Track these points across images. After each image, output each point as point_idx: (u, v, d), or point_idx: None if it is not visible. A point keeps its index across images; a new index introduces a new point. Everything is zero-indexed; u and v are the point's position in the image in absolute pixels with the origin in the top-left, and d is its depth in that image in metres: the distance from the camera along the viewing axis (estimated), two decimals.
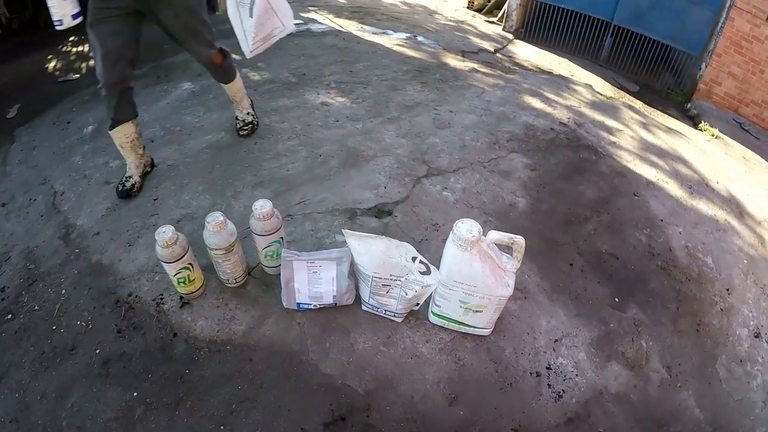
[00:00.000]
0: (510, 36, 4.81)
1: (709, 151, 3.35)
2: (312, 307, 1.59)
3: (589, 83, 3.83)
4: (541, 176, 2.37)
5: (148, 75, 3.14)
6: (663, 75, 4.34)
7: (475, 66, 3.63)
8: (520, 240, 1.36)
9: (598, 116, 3.15)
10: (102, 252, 1.87)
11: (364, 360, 1.51)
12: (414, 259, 1.42)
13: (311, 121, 2.63)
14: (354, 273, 1.56)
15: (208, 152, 2.37)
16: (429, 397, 1.45)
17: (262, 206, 1.52)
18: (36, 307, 1.67)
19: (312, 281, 1.53)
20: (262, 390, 1.43)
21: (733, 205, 2.75)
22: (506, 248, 1.46)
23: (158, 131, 2.52)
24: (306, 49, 3.63)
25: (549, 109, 3.02)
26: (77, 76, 3.28)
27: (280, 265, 1.61)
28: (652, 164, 2.80)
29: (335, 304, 1.60)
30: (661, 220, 2.39)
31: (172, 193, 2.11)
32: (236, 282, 1.66)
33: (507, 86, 3.24)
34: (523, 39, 4.75)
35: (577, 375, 1.62)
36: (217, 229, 1.47)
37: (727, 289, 2.17)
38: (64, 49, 3.67)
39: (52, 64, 3.46)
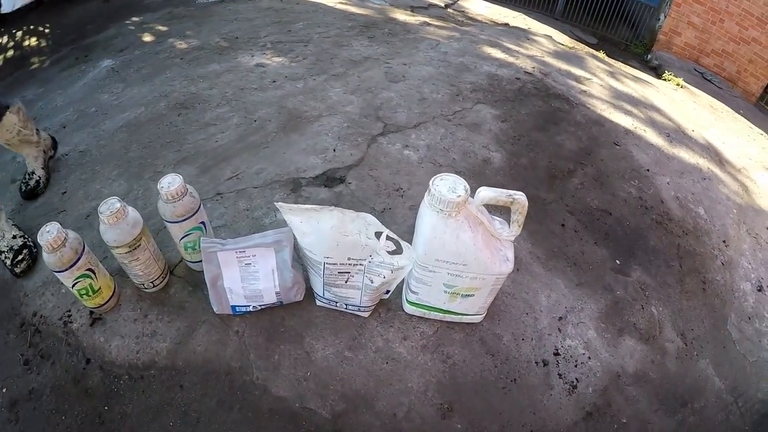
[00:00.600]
0: None
1: (678, 100, 3.20)
2: (251, 309, 1.24)
3: (548, 34, 3.56)
4: (514, 128, 2.05)
5: (67, 57, 2.88)
6: (620, 28, 4.17)
7: (426, 20, 3.27)
8: (521, 198, 1.00)
9: (564, 65, 2.88)
10: (3, 267, 1.47)
11: (326, 372, 1.17)
12: (378, 234, 1.04)
13: (244, 85, 2.20)
14: (301, 260, 1.19)
15: (124, 131, 2.00)
16: (415, 412, 1.10)
17: (170, 184, 1.15)
18: None
19: (246, 277, 1.16)
20: (199, 425, 1.12)
21: (712, 153, 2.63)
22: (498, 211, 1.11)
23: (71, 115, 2.19)
24: (240, 14, 3.25)
25: (511, 59, 2.71)
26: None
27: None
28: (627, 113, 2.61)
29: (281, 302, 1.24)
30: (647, 170, 2.18)
31: (81, 183, 1.73)
32: (154, 285, 1.33)
33: (463, 38, 2.91)
34: None
35: (589, 358, 1.32)
36: (113, 221, 1.13)
37: (724, 241, 2.00)
38: None
39: None
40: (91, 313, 1.32)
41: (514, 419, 1.13)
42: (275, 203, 1.07)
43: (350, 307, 1.20)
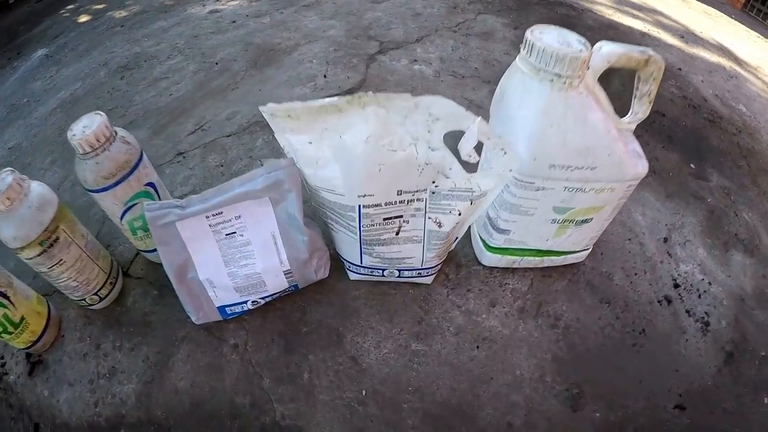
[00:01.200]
0: None
1: (672, 5, 2.96)
2: (249, 307, 0.80)
3: None
4: None
5: None
6: None
7: None
8: (657, 57, 0.65)
9: None
10: None
11: (390, 384, 0.76)
12: (450, 137, 0.61)
13: (198, 32, 1.79)
14: (316, 213, 0.78)
15: (59, 112, 1.61)
16: (537, 412, 0.74)
17: (86, 127, 0.73)
18: None
19: (232, 255, 0.73)
20: None
21: (726, 52, 2.42)
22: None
23: (1, 113, 1.82)
24: None
25: None
26: None
27: None
28: (634, 17, 2.42)
29: (295, 286, 0.81)
30: (679, 69, 1.94)
31: None
32: (100, 298, 0.90)
33: None
34: None
35: (709, 283, 1.02)
36: (4, 206, 0.71)
37: None
38: None
39: None
40: (28, 356, 0.91)
41: (658, 386, 0.81)
42: (260, 108, 0.64)
43: (406, 274, 0.80)
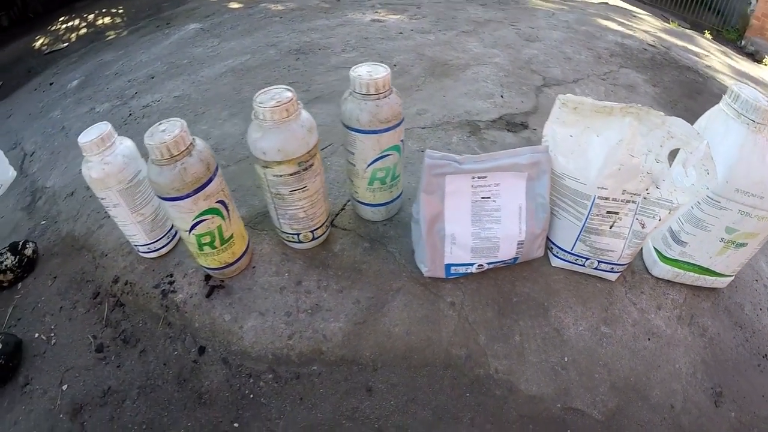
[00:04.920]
0: None
1: None
2: (472, 270, 0.89)
3: (649, 14, 3.38)
4: (667, 93, 1.88)
5: (146, 27, 2.80)
6: (705, 14, 3.95)
7: None
8: None
9: (679, 42, 2.71)
10: (76, 218, 1.19)
11: (585, 356, 0.87)
12: (674, 155, 0.76)
13: (368, 35, 2.04)
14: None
15: (230, 76, 1.83)
16: (690, 401, 0.88)
17: (370, 73, 0.79)
18: None
19: (481, 217, 0.83)
20: None
21: None
22: None
23: (160, 67, 2.05)
24: None
25: (630, 32, 2.54)
26: (65, 45, 3.09)
27: (394, 201, 0.96)
28: (753, 88, 2.47)
29: (514, 259, 0.90)
30: None
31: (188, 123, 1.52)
32: (313, 237, 0.93)
33: (573, 10, 2.73)
34: None
35: None
36: (281, 117, 0.73)
37: None
38: (53, 27, 3.59)
39: (39, 42, 3.26)
40: (207, 278, 0.92)
41: None
42: (559, 96, 0.80)
43: (602, 266, 0.92)
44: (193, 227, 0.78)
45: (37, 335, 0.96)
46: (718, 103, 0.89)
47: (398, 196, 1.01)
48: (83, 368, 0.89)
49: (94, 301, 0.99)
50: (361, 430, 0.77)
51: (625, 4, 3.74)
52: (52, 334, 0.96)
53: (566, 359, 0.86)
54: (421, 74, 1.67)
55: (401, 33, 2.05)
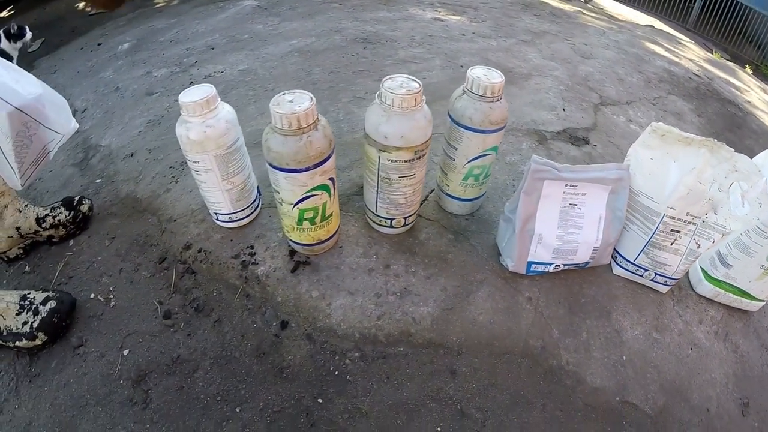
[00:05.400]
0: None
1: None
2: (549, 270, 1.00)
3: (692, 42, 3.45)
4: (711, 124, 1.97)
5: None
6: (745, 46, 4.01)
7: (578, 9, 3.15)
8: None
9: (722, 74, 2.79)
10: (137, 180, 1.19)
11: (639, 357, 0.97)
12: (734, 185, 0.86)
13: (432, 33, 2.10)
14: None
15: (297, 56, 1.87)
16: (722, 407, 0.99)
17: (487, 76, 0.85)
18: (26, 269, 1.02)
19: (567, 221, 0.94)
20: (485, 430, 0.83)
21: None
22: None
23: (219, 40, 2.08)
24: None
25: (676, 59, 2.62)
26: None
27: (479, 197, 1.05)
28: None
29: (586, 263, 1.02)
30: None
31: (249, 99, 1.58)
32: (405, 223, 0.98)
33: (622, 31, 2.80)
34: None
35: None
36: (410, 104, 0.77)
37: None
38: None
39: (83, 4, 3.23)
40: (292, 253, 0.93)
41: None
42: (653, 124, 0.89)
43: (658, 278, 1.04)
44: (300, 201, 0.81)
45: (93, 296, 0.94)
46: (756, 138, 0.99)
47: (484, 194, 1.10)
48: (147, 334, 0.86)
49: (161, 266, 0.97)
50: (444, 410, 0.82)
51: (670, 29, 3.81)
52: (111, 296, 0.93)
53: (624, 358, 0.97)
54: None
55: (463, 35, 2.13)
